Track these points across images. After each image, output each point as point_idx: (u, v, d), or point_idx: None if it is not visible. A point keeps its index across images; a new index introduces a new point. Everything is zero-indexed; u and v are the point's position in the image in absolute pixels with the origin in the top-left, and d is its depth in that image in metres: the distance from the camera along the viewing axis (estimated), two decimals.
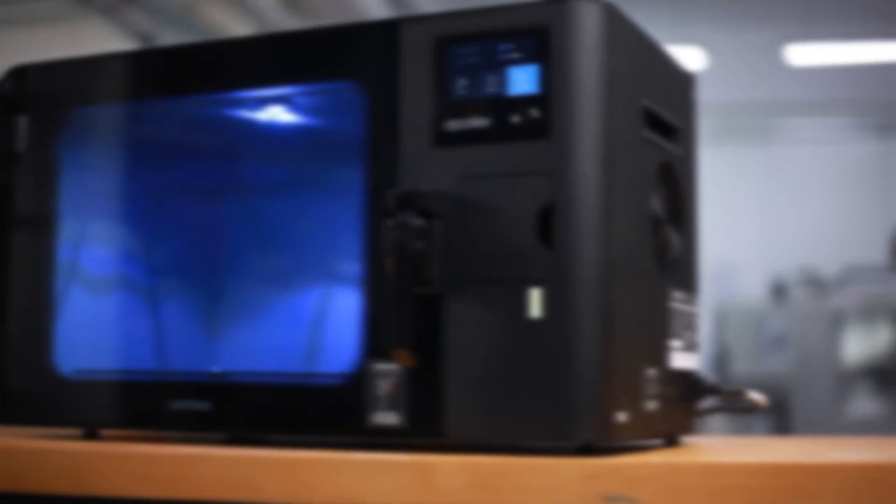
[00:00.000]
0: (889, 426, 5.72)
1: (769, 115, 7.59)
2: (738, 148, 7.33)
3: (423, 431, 0.90)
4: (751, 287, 6.92)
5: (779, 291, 6.67)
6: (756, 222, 7.45)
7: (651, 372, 0.95)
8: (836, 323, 6.23)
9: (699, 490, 0.80)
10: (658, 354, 0.97)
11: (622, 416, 0.88)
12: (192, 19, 4.56)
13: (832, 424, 5.85)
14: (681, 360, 1.01)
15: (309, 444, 0.94)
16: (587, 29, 0.89)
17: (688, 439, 1.06)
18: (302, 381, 0.97)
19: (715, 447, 1.04)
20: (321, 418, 0.95)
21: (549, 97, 0.89)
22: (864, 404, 6.16)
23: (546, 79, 0.89)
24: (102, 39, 4.13)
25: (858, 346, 6.28)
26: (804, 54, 7.18)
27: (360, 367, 0.93)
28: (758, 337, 6.54)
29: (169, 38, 4.34)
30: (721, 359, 6.39)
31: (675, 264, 1.02)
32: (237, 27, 4.77)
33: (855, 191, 7.47)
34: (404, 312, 0.89)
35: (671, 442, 1.03)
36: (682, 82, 1.08)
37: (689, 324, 1.04)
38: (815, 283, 6.55)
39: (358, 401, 0.92)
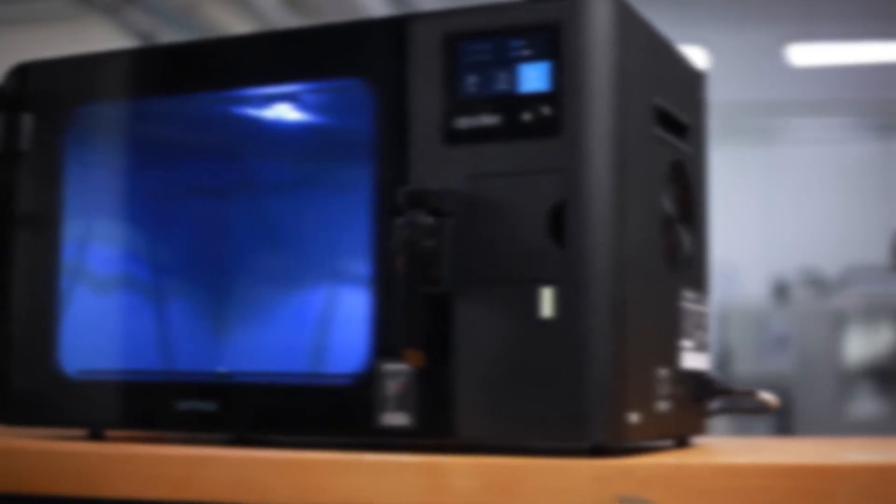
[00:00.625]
0: (891, 427, 5.71)
1: (770, 115, 7.58)
2: (739, 148, 7.32)
3: (433, 432, 0.89)
4: (752, 287, 6.91)
5: (780, 292, 6.66)
6: (757, 222, 7.44)
7: (663, 372, 0.94)
8: (838, 323, 6.22)
9: (713, 491, 0.79)
10: (669, 354, 0.96)
11: (634, 417, 0.87)
12: (192, 19, 4.54)
13: (834, 425, 5.84)
14: (692, 360, 1.00)
15: (317, 446, 0.93)
16: (599, 26, 0.88)
17: (698, 440, 1.05)
18: (309, 382, 0.97)
19: (726, 448, 1.03)
20: (329, 419, 0.94)
21: (560, 95, 0.88)
22: (866, 405, 6.15)
23: (557, 76, 0.88)
24: (103, 39, 4.11)
25: (860, 346, 6.28)
26: (805, 54, 7.17)
27: (369, 366, 0.92)
28: (759, 337, 6.54)
29: (169, 37, 4.33)
30: (723, 359, 6.38)
31: (686, 263, 1.01)
32: (238, 27, 4.76)
33: (856, 191, 7.46)
34: (414, 312, 0.88)
35: (682, 443, 1.02)
36: (693, 80, 1.07)
37: (700, 323, 1.03)
38: (817, 284, 6.54)
39: (367, 401, 0.91)
